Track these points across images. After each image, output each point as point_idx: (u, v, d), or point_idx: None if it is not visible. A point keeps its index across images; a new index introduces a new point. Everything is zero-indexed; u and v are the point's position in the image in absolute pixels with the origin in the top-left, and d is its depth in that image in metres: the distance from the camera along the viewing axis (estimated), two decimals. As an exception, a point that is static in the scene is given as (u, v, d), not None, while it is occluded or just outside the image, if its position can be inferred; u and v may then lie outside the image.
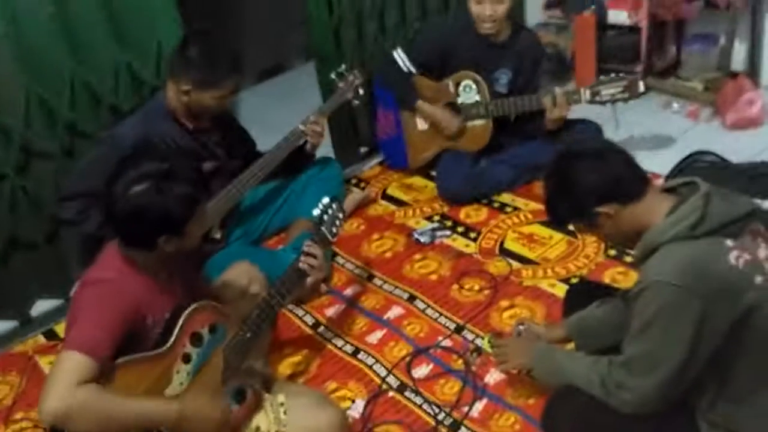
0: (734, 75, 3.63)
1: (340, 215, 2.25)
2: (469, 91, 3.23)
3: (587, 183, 1.66)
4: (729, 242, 1.55)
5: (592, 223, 1.70)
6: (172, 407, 1.72)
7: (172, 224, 1.77)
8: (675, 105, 3.76)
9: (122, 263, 1.80)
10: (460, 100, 3.25)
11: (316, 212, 2.20)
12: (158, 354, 1.75)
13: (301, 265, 2.08)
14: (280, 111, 4.10)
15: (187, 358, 1.80)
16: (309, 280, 2.11)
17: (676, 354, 1.55)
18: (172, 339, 1.76)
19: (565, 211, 1.75)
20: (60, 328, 2.74)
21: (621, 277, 2.61)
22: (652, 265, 1.57)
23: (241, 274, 2.40)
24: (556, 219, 1.84)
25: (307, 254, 2.10)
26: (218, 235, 2.76)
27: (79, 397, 1.59)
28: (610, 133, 3.31)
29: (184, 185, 1.78)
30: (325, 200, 2.23)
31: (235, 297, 2.25)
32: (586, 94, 3.05)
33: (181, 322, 1.78)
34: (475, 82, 3.20)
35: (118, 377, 1.68)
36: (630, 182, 1.66)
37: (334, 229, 2.22)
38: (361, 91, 3.19)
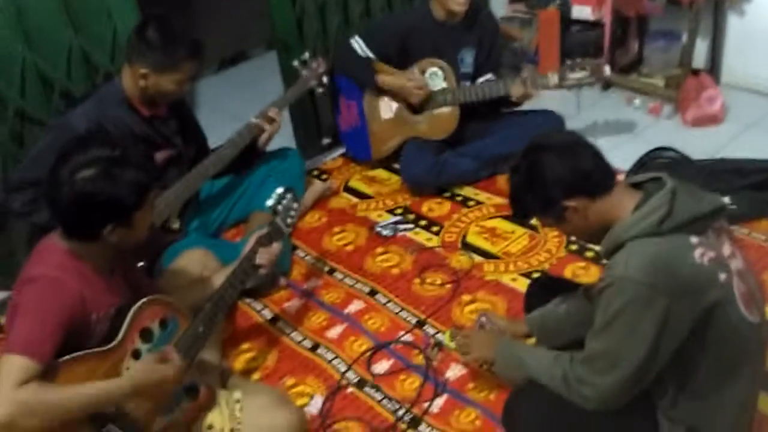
0: (695, 72, 3.65)
1: (295, 205, 2.19)
2: (435, 78, 3.18)
3: (556, 176, 1.62)
4: (694, 239, 1.54)
5: (559, 217, 1.67)
6: (123, 377, 1.68)
7: (119, 212, 1.70)
8: (637, 101, 3.77)
9: (63, 257, 1.71)
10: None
11: (269, 202, 2.15)
12: (106, 351, 1.68)
13: (254, 255, 2.03)
14: (242, 99, 4.04)
15: (136, 355, 1.73)
16: (262, 270, 2.07)
17: (638, 351, 1.53)
18: (121, 335, 1.69)
19: (532, 204, 1.70)
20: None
21: (582, 271, 2.61)
22: (618, 262, 1.55)
23: (194, 261, 2.35)
24: (521, 212, 1.78)
25: (259, 244, 2.05)
26: (176, 225, 2.68)
27: (21, 399, 1.52)
28: (572, 118, 3.33)
29: (135, 172, 1.70)
30: (279, 190, 2.17)
31: (186, 285, 2.19)
32: (554, 78, 3.04)
33: (129, 317, 1.71)
34: (442, 69, 3.16)
35: (62, 375, 1.61)
36: (599, 176, 1.63)
37: (289, 220, 2.17)
38: (325, 79, 3.15)
